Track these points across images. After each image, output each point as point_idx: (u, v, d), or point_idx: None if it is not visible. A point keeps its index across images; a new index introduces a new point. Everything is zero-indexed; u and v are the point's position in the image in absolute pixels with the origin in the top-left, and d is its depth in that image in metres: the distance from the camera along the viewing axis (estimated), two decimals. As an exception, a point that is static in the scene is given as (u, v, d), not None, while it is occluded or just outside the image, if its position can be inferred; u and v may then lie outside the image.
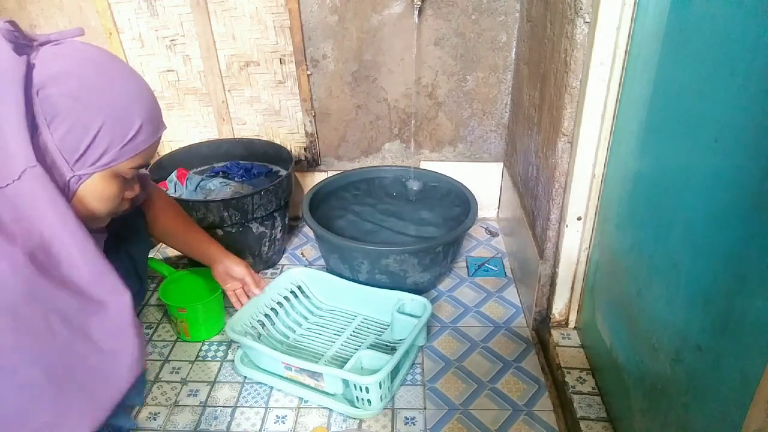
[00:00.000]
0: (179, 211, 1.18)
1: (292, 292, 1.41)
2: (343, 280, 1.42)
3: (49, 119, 0.66)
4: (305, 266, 1.60)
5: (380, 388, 1.09)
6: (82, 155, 0.69)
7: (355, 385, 1.09)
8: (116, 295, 0.71)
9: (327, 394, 1.15)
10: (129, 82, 0.72)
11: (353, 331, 1.34)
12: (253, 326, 1.27)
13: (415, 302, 1.31)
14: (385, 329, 1.35)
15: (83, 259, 0.68)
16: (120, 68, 0.73)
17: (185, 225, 1.18)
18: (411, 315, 1.29)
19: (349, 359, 1.18)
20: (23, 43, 0.67)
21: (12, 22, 0.66)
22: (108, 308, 0.70)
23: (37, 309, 0.63)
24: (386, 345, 1.29)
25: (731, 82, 0.64)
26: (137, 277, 1.05)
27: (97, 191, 0.73)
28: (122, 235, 1.02)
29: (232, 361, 1.27)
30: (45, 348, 0.63)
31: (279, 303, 1.37)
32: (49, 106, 0.66)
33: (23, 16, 1.59)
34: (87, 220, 0.75)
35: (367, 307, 1.39)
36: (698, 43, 0.72)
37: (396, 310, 1.29)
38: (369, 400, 1.10)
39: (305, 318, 1.39)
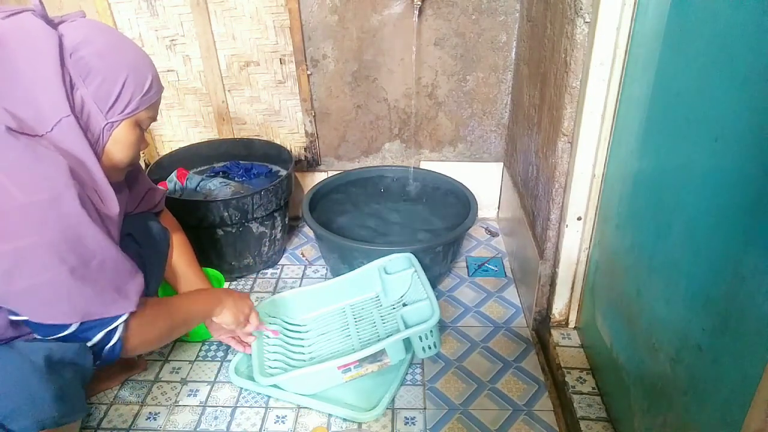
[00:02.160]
0: (191, 254, 1.22)
1: (269, 324, 1.30)
2: (306, 288, 1.39)
3: (84, 76, 0.80)
4: (304, 266, 1.60)
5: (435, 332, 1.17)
6: (113, 104, 0.83)
7: (420, 336, 1.15)
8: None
9: (326, 400, 1.15)
10: (138, 49, 0.89)
11: (355, 321, 1.34)
12: (275, 364, 1.22)
13: (394, 261, 1.37)
14: (378, 299, 1.38)
15: (110, 199, 0.85)
16: (130, 40, 0.90)
17: (191, 267, 1.21)
18: (400, 270, 1.35)
19: (375, 338, 1.26)
20: (50, 20, 0.80)
21: (41, 1, 0.80)
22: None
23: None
24: (393, 308, 1.33)
25: (731, 82, 0.64)
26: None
27: (124, 137, 0.86)
28: (140, 241, 1.04)
29: (229, 361, 1.27)
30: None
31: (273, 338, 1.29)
32: (83, 65, 0.79)
33: (23, 16, 1.58)
34: (115, 167, 0.89)
35: (344, 295, 1.40)
36: (698, 43, 0.72)
37: (385, 273, 1.34)
38: (435, 344, 1.17)
39: (299, 339, 1.32)
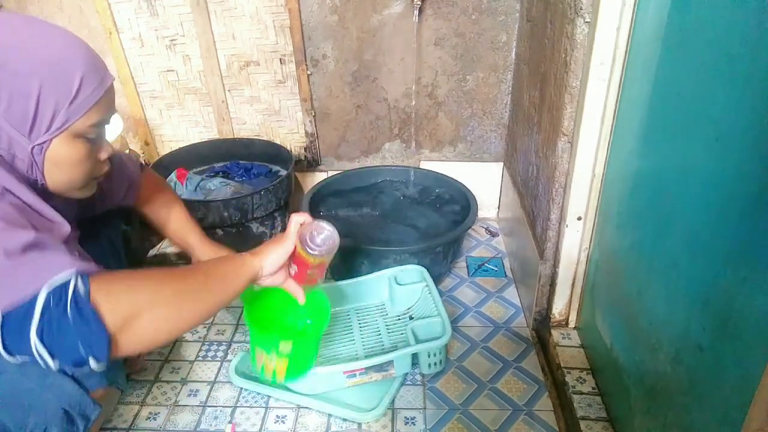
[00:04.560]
0: (181, 208, 1.11)
1: None
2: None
3: None
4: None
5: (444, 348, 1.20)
6: (33, 123, 0.67)
7: (429, 353, 1.17)
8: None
9: (326, 400, 1.14)
10: (57, 41, 0.69)
11: (360, 326, 1.34)
12: None
13: (405, 272, 1.37)
14: (383, 308, 1.38)
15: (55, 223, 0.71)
16: (46, 29, 0.70)
17: (186, 219, 1.11)
18: (411, 283, 1.35)
19: (379, 347, 1.26)
20: None
21: None
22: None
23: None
24: (398, 318, 1.34)
25: (731, 82, 0.64)
26: (117, 258, 1.07)
27: (64, 157, 0.71)
28: (99, 225, 1.01)
29: (229, 361, 1.27)
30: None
31: None
32: None
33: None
34: (69, 189, 0.75)
35: (351, 299, 1.40)
36: (698, 43, 0.72)
37: (396, 284, 1.34)
38: (441, 361, 1.20)
39: None
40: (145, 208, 1.08)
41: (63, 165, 0.72)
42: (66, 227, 0.72)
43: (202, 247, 1.08)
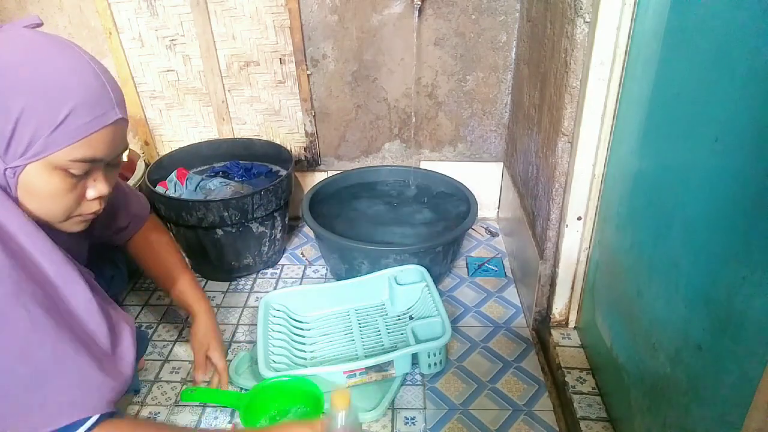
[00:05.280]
0: (175, 252, 1.14)
1: (275, 316, 1.31)
2: (313, 286, 1.40)
3: None
4: (304, 266, 1.60)
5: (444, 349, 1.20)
6: (8, 143, 0.63)
7: (429, 353, 1.17)
8: (75, 285, 0.72)
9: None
10: (62, 64, 0.65)
11: (360, 326, 1.34)
12: (281, 360, 1.21)
13: (405, 272, 1.37)
14: (383, 308, 1.38)
15: (40, 253, 0.68)
16: (56, 50, 0.65)
17: (178, 267, 1.13)
18: (411, 283, 1.36)
19: (379, 347, 1.27)
20: None
21: None
22: (71, 298, 0.72)
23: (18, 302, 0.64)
24: (398, 319, 1.35)
25: (731, 82, 0.64)
26: (111, 261, 1.07)
27: (37, 186, 0.66)
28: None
29: (230, 361, 1.27)
30: (29, 337, 0.65)
31: (278, 331, 1.29)
32: None
33: (23, 16, 1.58)
34: (50, 222, 0.71)
35: (351, 299, 1.39)
36: (698, 43, 0.72)
37: (396, 284, 1.34)
38: (441, 361, 1.20)
39: (301, 336, 1.32)
40: (143, 259, 1.11)
41: (36, 195, 0.67)
42: (57, 259, 0.70)
43: (203, 316, 1.13)
